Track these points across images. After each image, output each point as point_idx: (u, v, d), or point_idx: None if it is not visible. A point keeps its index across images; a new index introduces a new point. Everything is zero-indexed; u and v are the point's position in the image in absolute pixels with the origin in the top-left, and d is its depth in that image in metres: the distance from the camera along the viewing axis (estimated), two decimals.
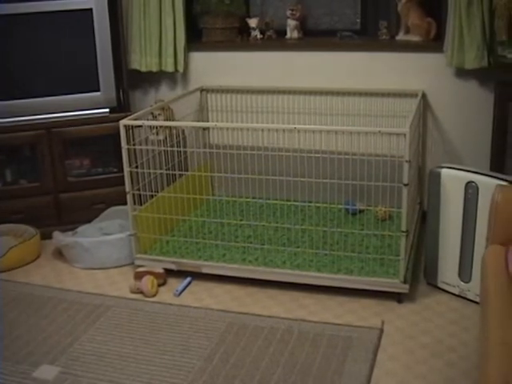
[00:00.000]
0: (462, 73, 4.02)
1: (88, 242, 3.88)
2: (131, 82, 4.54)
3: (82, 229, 4.12)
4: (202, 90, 4.56)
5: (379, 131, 3.24)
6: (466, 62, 3.86)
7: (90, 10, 4.09)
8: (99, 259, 3.90)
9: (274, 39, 4.57)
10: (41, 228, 4.16)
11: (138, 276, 3.63)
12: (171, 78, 4.70)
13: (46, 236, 4.16)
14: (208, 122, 4.61)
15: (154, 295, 3.56)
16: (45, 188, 4.24)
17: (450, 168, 3.33)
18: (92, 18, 4.10)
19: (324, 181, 3.45)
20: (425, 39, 4.17)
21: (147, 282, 3.54)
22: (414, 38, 4.18)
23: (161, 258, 3.74)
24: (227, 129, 4.34)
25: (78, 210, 4.31)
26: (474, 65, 3.84)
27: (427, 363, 2.85)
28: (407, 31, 4.23)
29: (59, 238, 3.96)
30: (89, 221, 4.24)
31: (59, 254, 4.08)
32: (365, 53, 4.23)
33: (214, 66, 4.57)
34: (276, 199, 3.98)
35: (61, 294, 3.61)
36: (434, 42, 4.13)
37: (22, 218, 4.19)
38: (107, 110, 4.30)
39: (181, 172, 3.98)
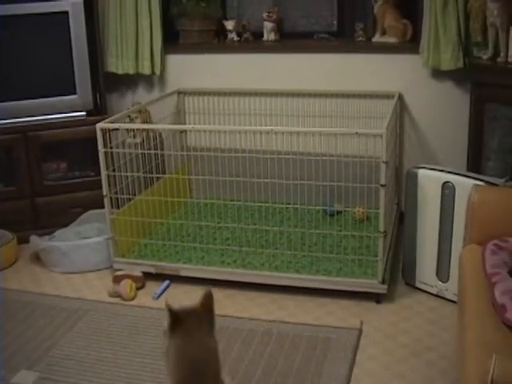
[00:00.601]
0: (438, 74, 4.05)
1: (66, 246, 3.86)
2: (108, 85, 4.52)
3: (59, 233, 4.09)
4: (179, 92, 4.55)
5: (356, 132, 3.25)
6: (442, 62, 3.89)
7: (66, 12, 4.07)
8: (77, 263, 3.88)
9: (251, 41, 4.58)
10: (18, 232, 4.12)
11: (117, 280, 3.62)
12: (148, 80, 4.68)
13: (23, 240, 4.12)
14: (185, 124, 4.61)
15: (133, 299, 3.54)
16: (21, 192, 4.21)
17: (427, 168, 3.35)
18: (68, 21, 4.08)
19: (302, 182, 3.45)
20: (401, 41, 4.19)
21: (126, 286, 3.53)
22: (391, 39, 4.21)
23: (139, 261, 3.73)
24: (204, 131, 4.33)
25: (55, 213, 4.28)
26: (450, 66, 3.88)
27: (407, 363, 2.87)
28: (383, 33, 4.25)
29: (36, 242, 3.94)
30: (66, 225, 4.20)
31: (37, 258, 4.04)
32: (341, 54, 4.25)
33: (191, 69, 4.56)
34: (254, 201, 3.98)
35: (39, 298, 3.58)
36: (410, 44, 4.16)
37: None
38: (84, 113, 4.28)
39: (158, 175, 3.97)
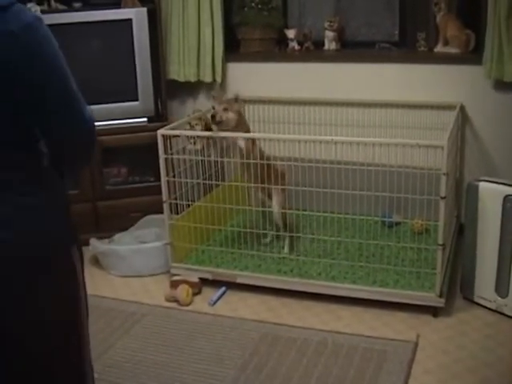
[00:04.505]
0: (500, 85, 3.98)
1: (124, 250, 3.91)
2: (169, 92, 4.58)
3: (118, 236, 4.15)
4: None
5: (417, 144, 3.23)
6: (506, 74, 3.83)
7: (130, 20, 4.14)
8: (135, 267, 3.93)
9: (312, 50, 4.58)
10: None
11: (174, 285, 3.65)
12: (209, 88, 4.72)
13: (83, 243, 4.16)
14: None
15: (189, 304, 3.57)
16: (83, 196, 4.28)
17: (488, 181, 3.30)
18: (132, 29, 4.15)
19: (360, 193, 3.44)
20: (463, 51, 4.14)
21: (182, 291, 3.56)
22: (453, 49, 4.16)
23: (196, 267, 3.76)
24: (264, 139, 4.34)
25: (115, 217, 4.34)
26: None
27: (462, 379, 2.83)
28: (446, 43, 4.21)
29: (96, 245, 4.00)
30: (125, 229, 4.26)
31: (95, 261, 4.11)
32: (403, 65, 4.22)
33: (251, 77, 4.58)
34: (312, 210, 3.97)
35: (96, 300, 3.62)
36: (472, 54, 4.11)
37: None
38: (145, 119, 4.34)
39: (217, 182, 3.99)
